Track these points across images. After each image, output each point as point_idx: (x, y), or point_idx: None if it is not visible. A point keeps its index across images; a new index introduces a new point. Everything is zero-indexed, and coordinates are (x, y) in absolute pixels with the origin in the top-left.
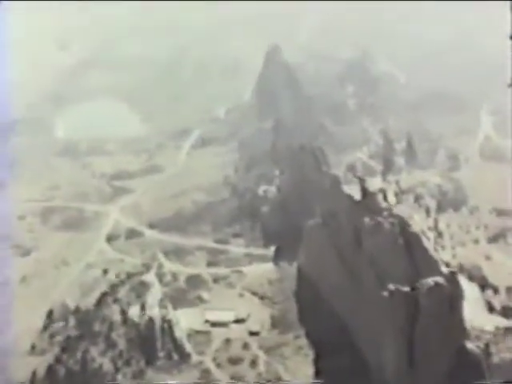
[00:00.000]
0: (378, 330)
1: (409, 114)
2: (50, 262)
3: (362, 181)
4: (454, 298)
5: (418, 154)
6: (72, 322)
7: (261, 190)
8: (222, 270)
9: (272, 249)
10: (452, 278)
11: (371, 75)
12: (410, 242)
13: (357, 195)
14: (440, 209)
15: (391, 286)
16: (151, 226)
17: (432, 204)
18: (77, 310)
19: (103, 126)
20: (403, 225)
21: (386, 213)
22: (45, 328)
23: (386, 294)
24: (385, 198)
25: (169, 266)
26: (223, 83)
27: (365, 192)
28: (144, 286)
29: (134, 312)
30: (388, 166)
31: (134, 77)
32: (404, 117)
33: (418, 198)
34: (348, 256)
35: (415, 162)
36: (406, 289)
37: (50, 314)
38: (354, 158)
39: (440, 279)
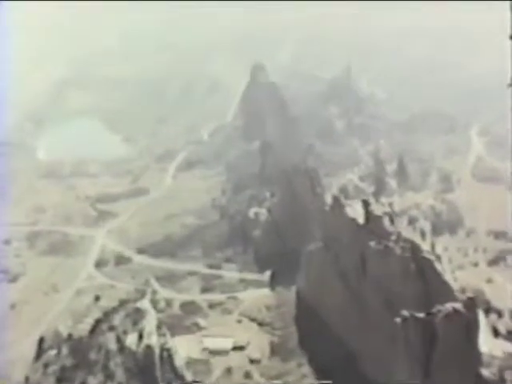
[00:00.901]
0: (389, 357)
1: (398, 135)
2: (40, 288)
3: (366, 204)
4: (470, 324)
5: (409, 175)
6: (65, 350)
7: (251, 212)
8: (216, 296)
9: (267, 274)
10: (470, 303)
11: (356, 95)
12: (422, 267)
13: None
14: (435, 232)
15: (405, 312)
16: (140, 251)
17: (427, 227)
18: (70, 338)
19: (85, 148)
20: (415, 249)
21: (394, 237)
22: (37, 357)
23: (398, 320)
24: (391, 221)
25: (162, 292)
26: (206, 104)
27: (369, 215)
28: (139, 313)
29: (131, 340)
30: (380, 188)
31: (115, 97)
32: (393, 137)
33: (412, 221)
34: (352, 280)
35: (407, 183)
36: (421, 315)
37: (41, 341)
38: (344, 179)
39: (458, 305)
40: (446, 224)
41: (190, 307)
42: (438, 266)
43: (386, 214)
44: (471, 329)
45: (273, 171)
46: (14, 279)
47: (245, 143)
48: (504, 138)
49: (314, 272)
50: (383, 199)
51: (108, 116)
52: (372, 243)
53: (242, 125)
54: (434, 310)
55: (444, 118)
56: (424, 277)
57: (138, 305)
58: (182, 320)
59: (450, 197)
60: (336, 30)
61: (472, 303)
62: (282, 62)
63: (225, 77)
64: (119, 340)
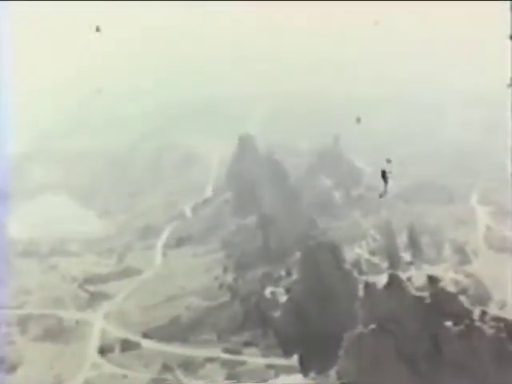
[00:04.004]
0: None
1: (399, 206)
2: (43, 379)
3: (433, 280)
4: None
5: (422, 247)
6: None
7: (268, 292)
8: None
9: (294, 358)
10: None
11: (346, 166)
12: None
13: None
14: None
15: None
16: (146, 335)
17: None
18: None
19: (60, 224)
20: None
21: (476, 315)
22: None
23: None
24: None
25: (185, 380)
26: (181, 177)
27: (439, 292)
28: None
29: None
30: (394, 262)
31: (81, 171)
32: (394, 209)
33: None
34: (422, 365)
35: (422, 256)
36: None
37: None
38: (353, 254)
39: None
40: (474, 298)
41: None
42: None
43: (460, 291)
44: None
45: (280, 247)
46: (12, 369)
47: (238, 218)
48: (506, 206)
49: (368, 356)
50: (401, 274)
51: (77, 191)
52: (448, 323)
53: (231, 199)
54: None
55: (440, 188)
56: None
57: None
58: None
59: (468, 269)
60: (302, 100)
61: None
62: (252, 134)
63: (196, 150)
64: None
